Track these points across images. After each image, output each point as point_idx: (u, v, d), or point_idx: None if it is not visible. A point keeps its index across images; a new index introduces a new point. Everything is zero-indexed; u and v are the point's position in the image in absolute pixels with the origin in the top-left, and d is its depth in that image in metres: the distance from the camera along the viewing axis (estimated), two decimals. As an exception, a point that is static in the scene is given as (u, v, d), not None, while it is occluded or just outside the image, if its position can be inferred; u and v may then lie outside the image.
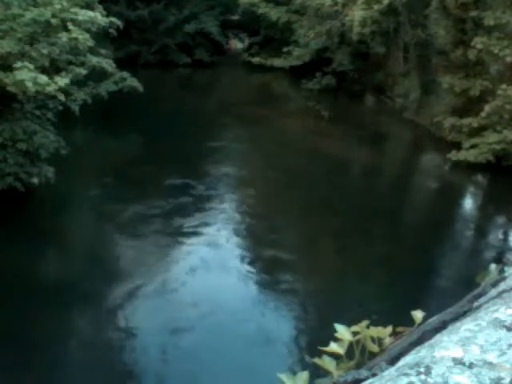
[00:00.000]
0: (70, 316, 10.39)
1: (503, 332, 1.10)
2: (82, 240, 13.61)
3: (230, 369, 8.87)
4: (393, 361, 1.22)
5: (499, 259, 11.99)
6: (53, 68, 13.46)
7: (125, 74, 17.52)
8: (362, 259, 12.78)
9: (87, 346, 9.61)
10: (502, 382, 0.96)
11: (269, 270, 12.34)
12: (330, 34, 27.67)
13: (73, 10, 13.36)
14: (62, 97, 13.04)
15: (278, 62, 31.29)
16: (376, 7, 22.22)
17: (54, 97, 13.49)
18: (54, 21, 12.86)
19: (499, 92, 18.06)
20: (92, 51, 15.74)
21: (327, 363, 1.38)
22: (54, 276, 11.67)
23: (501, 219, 16.88)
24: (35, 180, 13.49)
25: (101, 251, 13.05)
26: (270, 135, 21.96)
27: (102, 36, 17.31)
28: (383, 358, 1.32)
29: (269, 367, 8.48)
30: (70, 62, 14.56)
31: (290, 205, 16.02)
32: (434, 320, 1.44)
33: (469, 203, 18.54)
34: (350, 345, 1.46)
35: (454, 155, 18.65)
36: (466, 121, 19.20)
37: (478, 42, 18.59)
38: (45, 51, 12.85)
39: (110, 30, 15.34)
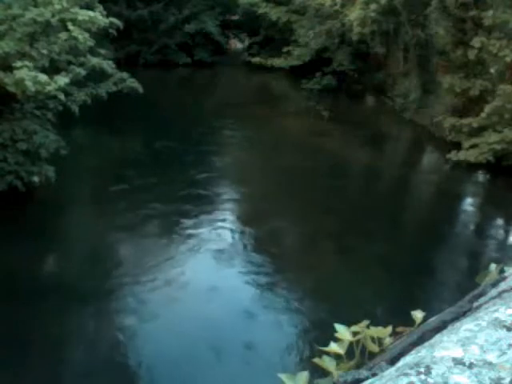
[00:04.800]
0: (71, 314, 10.38)
1: (503, 332, 1.10)
2: (81, 239, 13.60)
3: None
4: (393, 361, 1.22)
5: (499, 259, 11.98)
6: (52, 68, 13.46)
7: (124, 74, 17.50)
8: (362, 259, 12.77)
9: (87, 344, 9.61)
10: (502, 382, 0.96)
11: (268, 268, 12.34)
12: (330, 34, 27.70)
13: (73, 10, 13.37)
14: (61, 96, 13.04)
15: (278, 62, 31.31)
16: (372, 7, 22.25)
17: (53, 97, 13.49)
18: (53, 20, 12.87)
19: (499, 92, 18.09)
20: (92, 51, 15.74)
21: (327, 363, 1.38)
22: (55, 275, 11.67)
23: (501, 219, 16.88)
24: (35, 179, 13.48)
25: (101, 250, 13.05)
26: (270, 135, 21.96)
27: (101, 36, 17.32)
28: (383, 357, 1.32)
29: (268, 366, 8.49)
30: (70, 63, 14.57)
31: (289, 204, 16.00)
32: (434, 320, 1.44)
33: (469, 203, 18.53)
34: (350, 345, 1.46)
35: (454, 155, 18.66)
36: (466, 121, 19.21)
37: (477, 41, 18.60)
38: (44, 51, 12.86)
39: (110, 31, 15.34)
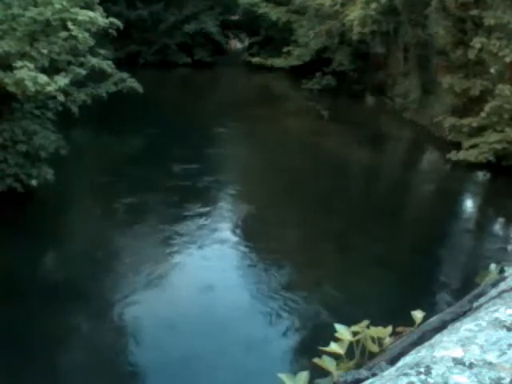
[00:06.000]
0: (69, 315, 10.38)
1: (503, 332, 1.10)
2: (81, 238, 13.60)
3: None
4: (393, 361, 1.22)
5: (499, 259, 11.96)
6: (52, 68, 13.47)
7: (124, 74, 17.52)
8: (362, 258, 12.77)
9: (86, 344, 9.61)
10: (502, 382, 0.96)
11: (268, 267, 12.33)
12: (330, 34, 27.69)
13: (73, 10, 13.38)
14: (61, 97, 13.05)
15: (278, 62, 31.32)
16: (373, 6, 22.27)
17: (53, 97, 13.49)
18: (53, 18, 12.88)
19: (497, 92, 18.10)
20: (91, 51, 15.75)
21: (327, 363, 1.37)
22: (54, 274, 11.67)
23: (501, 219, 16.88)
24: (34, 182, 13.50)
25: (100, 248, 13.04)
26: (269, 135, 21.96)
27: (101, 36, 17.32)
28: (383, 357, 1.32)
29: (268, 365, 8.48)
30: (70, 63, 14.57)
31: (288, 203, 16.00)
32: (434, 320, 1.44)
33: (469, 203, 18.54)
34: (350, 345, 1.46)
35: (454, 155, 18.67)
36: (466, 121, 19.21)
37: (477, 42, 18.60)
38: (44, 51, 12.86)
39: (110, 31, 15.35)
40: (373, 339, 1.47)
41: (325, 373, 1.36)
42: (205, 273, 12.04)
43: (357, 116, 24.88)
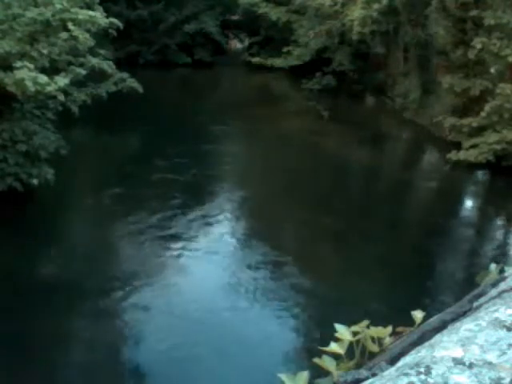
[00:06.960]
0: (69, 314, 10.39)
1: (503, 332, 1.10)
2: (80, 238, 13.60)
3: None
4: (393, 361, 1.22)
5: (499, 259, 11.99)
6: (52, 68, 13.47)
7: (124, 74, 17.54)
8: (362, 258, 12.77)
9: (86, 344, 9.61)
10: (502, 382, 0.96)
11: (267, 267, 12.33)
12: (330, 34, 27.70)
13: (73, 10, 13.39)
14: (61, 97, 13.05)
15: (278, 62, 31.31)
16: (375, 6, 22.28)
17: (53, 97, 13.50)
18: (53, 19, 12.88)
19: (498, 91, 18.10)
20: (91, 52, 15.77)
21: (327, 363, 1.37)
22: (53, 275, 11.66)
23: (501, 219, 16.88)
24: (35, 181, 13.50)
25: (99, 250, 13.04)
26: (270, 135, 21.95)
27: (101, 36, 17.34)
28: (383, 357, 1.32)
29: (268, 366, 8.49)
30: (70, 63, 14.58)
31: (288, 203, 16.00)
32: (434, 320, 1.44)
33: (469, 203, 18.54)
34: (350, 345, 1.46)
35: (454, 155, 18.67)
36: (466, 121, 19.21)
37: (478, 42, 18.61)
38: (45, 51, 12.87)
39: (110, 31, 15.36)
40: (373, 339, 1.47)
41: (325, 373, 1.36)
42: (205, 272, 12.05)
43: (357, 116, 24.88)
